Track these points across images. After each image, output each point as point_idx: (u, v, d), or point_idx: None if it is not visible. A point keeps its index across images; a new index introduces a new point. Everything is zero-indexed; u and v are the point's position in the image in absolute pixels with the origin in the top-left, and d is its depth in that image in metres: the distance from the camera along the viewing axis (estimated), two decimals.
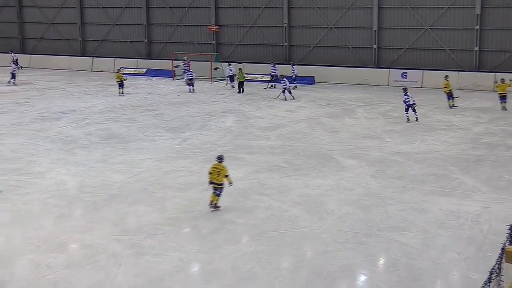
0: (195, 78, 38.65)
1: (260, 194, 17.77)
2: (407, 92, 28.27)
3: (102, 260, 13.34)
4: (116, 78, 37.20)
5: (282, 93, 34.55)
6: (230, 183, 16.50)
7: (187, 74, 38.44)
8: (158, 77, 44.45)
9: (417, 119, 27.65)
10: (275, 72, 39.14)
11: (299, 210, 16.42)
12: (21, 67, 47.64)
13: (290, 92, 34.63)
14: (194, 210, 16.49)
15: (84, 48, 52.46)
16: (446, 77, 32.09)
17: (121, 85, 36.82)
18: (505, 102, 30.29)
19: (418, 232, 14.83)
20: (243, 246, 14.24)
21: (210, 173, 16.40)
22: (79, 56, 51.97)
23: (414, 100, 28.03)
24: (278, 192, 17.99)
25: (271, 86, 38.69)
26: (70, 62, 51.04)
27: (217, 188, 16.40)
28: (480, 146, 23.26)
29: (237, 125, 27.81)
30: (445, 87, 31.79)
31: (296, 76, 39.25)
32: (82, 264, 13.13)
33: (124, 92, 36.69)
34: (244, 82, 37.71)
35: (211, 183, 16.38)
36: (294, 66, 39.79)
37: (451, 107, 31.24)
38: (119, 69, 38.82)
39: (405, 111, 28.04)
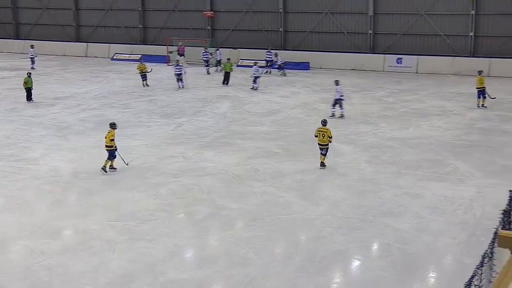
0: (186, 72, 34.32)
1: (255, 180, 17.78)
2: (338, 84, 26.10)
3: (96, 245, 13.34)
4: (138, 69, 34.92)
5: (254, 82, 33.29)
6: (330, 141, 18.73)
7: (176, 68, 34.41)
8: (153, 63, 44.25)
9: (342, 116, 25.71)
10: (270, 58, 39.04)
11: (293, 196, 16.44)
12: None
13: (255, 82, 33.25)
14: (189, 196, 16.50)
15: (78, 34, 52.25)
16: (480, 72, 28.24)
17: (143, 76, 34.54)
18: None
19: (412, 217, 14.87)
20: (237, 231, 14.26)
21: (316, 136, 18.79)
22: (74, 41, 51.76)
23: (342, 95, 26.00)
24: (272, 177, 17.99)
25: (267, 72, 38.55)
26: (64, 47, 50.86)
27: (323, 149, 18.64)
28: (474, 132, 23.31)
29: (232, 111, 27.79)
30: (479, 83, 27.69)
31: (282, 64, 38.81)
32: (76, 250, 13.14)
33: (148, 84, 34.49)
34: (231, 73, 35.09)
35: (319, 144, 18.72)
36: (276, 55, 39.36)
37: (479, 106, 27.49)
38: (140, 58, 36.48)
39: (332, 106, 26.08)
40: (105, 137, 18.67)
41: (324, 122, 19.00)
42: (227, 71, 35.17)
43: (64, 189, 17.23)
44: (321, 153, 18.74)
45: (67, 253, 13.02)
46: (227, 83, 34.82)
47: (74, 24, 52.14)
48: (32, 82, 29.99)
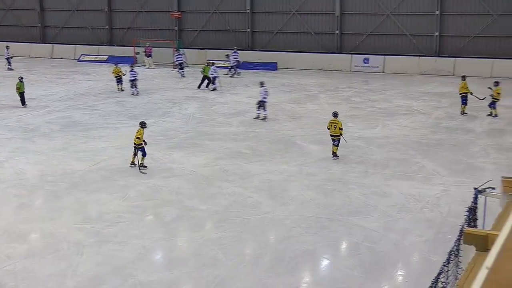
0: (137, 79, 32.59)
1: (223, 181, 17.77)
2: (263, 86, 26.05)
3: (63, 249, 13.20)
4: (113, 72, 33.40)
5: (212, 83, 33.07)
6: (341, 134, 19.77)
7: (130, 73, 32.76)
8: (120, 64, 43.84)
9: (265, 118, 25.57)
10: (237, 59, 39.03)
11: (262, 196, 16.46)
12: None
13: (213, 82, 33.11)
14: (157, 198, 16.43)
15: (43, 35, 51.59)
16: (463, 77, 26.83)
17: (119, 80, 32.97)
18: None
19: (379, 216, 15.01)
20: (206, 232, 14.24)
21: (328, 128, 19.92)
22: (39, 43, 51.09)
23: (265, 97, 25.83)
24: (241, 178, 18.00)
25: (235, 72, 38.50)
26: (29, 49, 50.12)
27: (335, 139, 19.71)
28: (440, 130, 23.60)
29: (199, 111, 27.72)
30: (463, 89, 26.32)
31: (235, 64, 38.74)
32: (43, 254, 12.99)
33: (123, 89, 32.80)
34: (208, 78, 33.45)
35: (331, 135, 19.84)
36: (227, 56, 39.18)
37: (462, 114, 26.18)
38: (116, 63, 34.81)
39: (257, 108, 25.88)
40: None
41: (335, 114, 20.09)
42: (205, 74, 33.58)
43: (30, 192, 17.02)
44: (333, 144, 19.84)
45: (33, 257, 12.86)
46: (199, 87, 33.52)
47: (39, 25, 51.47)
48: (24, 86, 28.86)
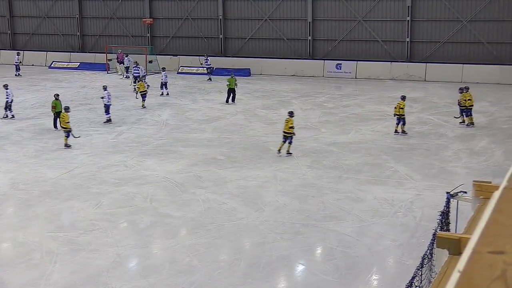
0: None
1: (197, 187, 17.72)
2: (106, 89, 26.78)
3: (36, 258, 13.05)
4: (139, 87, 30.24)
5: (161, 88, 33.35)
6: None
7: (135, 70, 34.54)
8: (92, 71, 43.68)
9: (109, 120, 26.50)
10: (209, 65, 39.00)
11: (236, 202, 16.46)
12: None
13: (164, 87, 33.44)
14: (131, 205, 16.33)
15: (13, 42, 51.05)
16: (466, 89, 25.29)
17: (144, 96, 29.87)
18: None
19: (353, 221, 15.09)
20: (181, 239, 14.19)
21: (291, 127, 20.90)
22: (9, 49, 50.50)
23: (109, 101, 26.57)
24: (215, 184, 17.98)
25: (208, 79, 38.47)
26: None
27: (287, 137, 20.81)
28: (412, 135, 23.81)
29: (173, 118, 27.65)
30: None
31: (210, 69, 38.94)
32: (15, 263, 12.82)
33: (145, 106, 29.86)
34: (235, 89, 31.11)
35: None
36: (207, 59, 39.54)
37: (468, 125, 24.91)
38: (144, 77, 31.53)
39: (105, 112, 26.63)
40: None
41: (291, 114, 21.17)
42: (232, 87, 30.99)
43: (1, 200, 16.80)
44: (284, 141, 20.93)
45: (4, 266, 12.69)
46: (233, 101, 30.92)
47: (8, 31, 50.92)
48: (61, 105, 25.12)
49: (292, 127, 20.78)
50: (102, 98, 26.86)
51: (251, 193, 17.22)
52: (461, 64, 37.25)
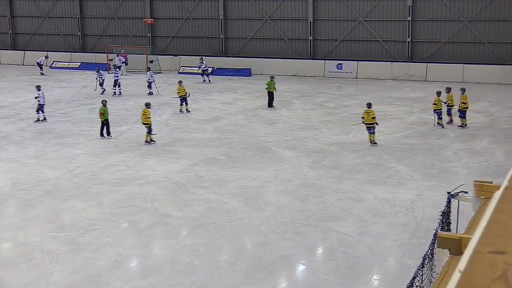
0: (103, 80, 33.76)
1: (198, 187, 17.73)
2: (40, 89, 27.08)
3: (37, 258, 13.06)
4: (178, 91, 28.75)
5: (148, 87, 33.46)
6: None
7: (98, 75, 34.02)
8: (93, 71, 43.59)
9: (41, 120, 26.63)
10: (205, 67, 38.82)
11: (237, 202, 16.46)
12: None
13: (150, 87, 33.54)
14: (132, 205, 16.33)
15: (14, 42, 51.05)
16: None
17: (183, 100, 28.58)
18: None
19: (354, 220, 15.08)
20: (182, 239, 14.19)
21: (363, 117, 22.31)
22: (10, 49, 50.52)
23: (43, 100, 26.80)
24: (216, 184, 17.98)
25: (204, 81, 38.28)
26: (0, 56, 49.57)
27: (370, 128, 22.19)
28: (413, 135, 23.81)
29: (174, 118, 27.64)
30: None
31: (205, 71, 38.60)
32: (15, 263, 12.83)
33: (189, 110, 28.83)
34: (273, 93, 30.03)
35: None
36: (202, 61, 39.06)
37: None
38: (180, 81, 29.61)
39: (37, 112, 26.75)
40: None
41: (369, 105, 22.50)
42: (270, 90, 29.90)
43: (2, 200, 16.81)
44: (369, 132, 22.31)
45: (5, 266, 12.71)
46: (271, 105, 29.85)
47: (10, 31, 50.91)
48: (108, 112, 24.23)
49: (374, 117, 22.11)
50: (37, 97, 26.87)
51: (252, 193, 17.22)
52: (462, 64, 37.20)
